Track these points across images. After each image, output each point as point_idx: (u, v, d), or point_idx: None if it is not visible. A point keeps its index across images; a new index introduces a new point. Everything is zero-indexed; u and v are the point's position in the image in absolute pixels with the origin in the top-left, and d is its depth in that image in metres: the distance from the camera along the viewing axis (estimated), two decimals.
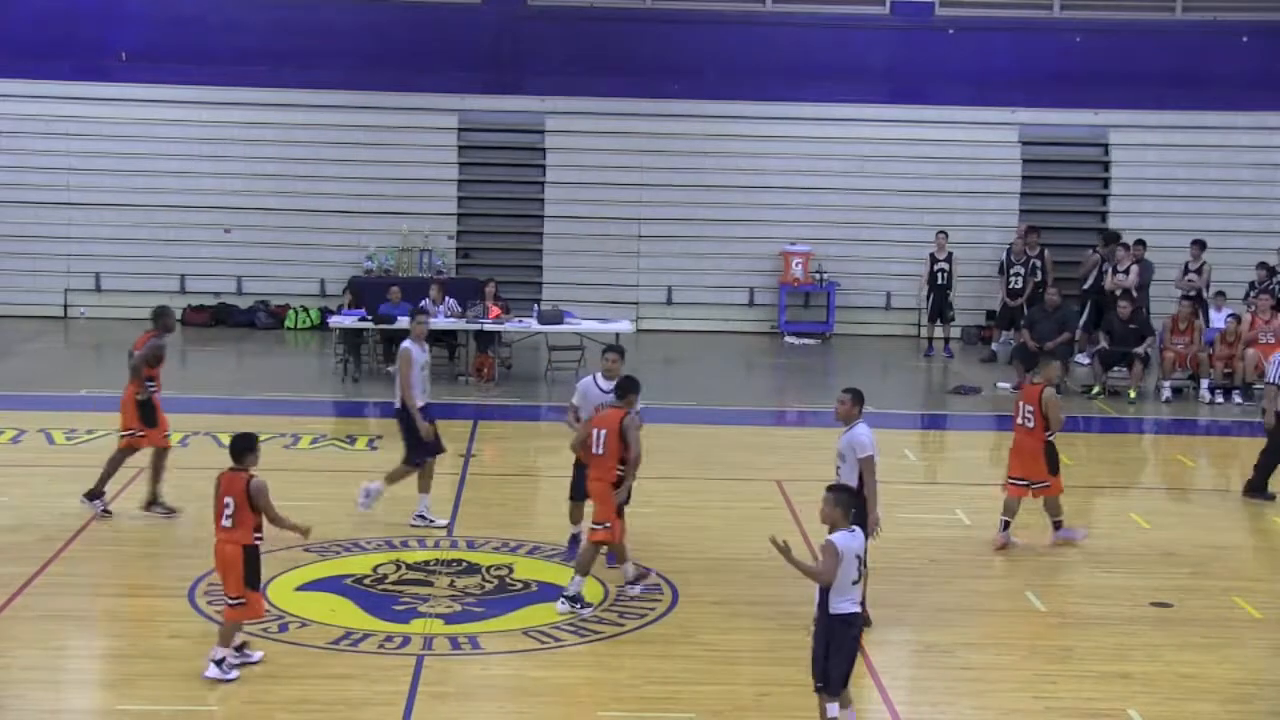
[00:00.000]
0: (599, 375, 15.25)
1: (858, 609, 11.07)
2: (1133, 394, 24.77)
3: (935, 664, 13.25)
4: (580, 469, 14.94)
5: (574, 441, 14.79)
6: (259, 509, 12.51)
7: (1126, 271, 27.61)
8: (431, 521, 16.52)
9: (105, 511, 16.72)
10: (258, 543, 12.47)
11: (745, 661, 13.10)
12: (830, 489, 11.28)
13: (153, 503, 16.94)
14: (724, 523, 17.36)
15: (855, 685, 12.68)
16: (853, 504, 11.18)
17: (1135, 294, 26.94)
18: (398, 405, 16.54)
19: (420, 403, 16.44)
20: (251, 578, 12.42)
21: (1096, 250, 28.50)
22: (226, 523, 12.45)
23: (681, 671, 12.77)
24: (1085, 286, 28.21)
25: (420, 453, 16.50)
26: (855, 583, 10.96)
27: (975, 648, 13.51)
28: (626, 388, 14.49)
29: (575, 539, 15.47)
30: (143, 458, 17.01)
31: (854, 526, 11.03)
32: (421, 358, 16.57)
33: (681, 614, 14.12)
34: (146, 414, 16.95)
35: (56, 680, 12.72)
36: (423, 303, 25.49)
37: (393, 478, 16.67)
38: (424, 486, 16.60)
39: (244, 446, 12.79)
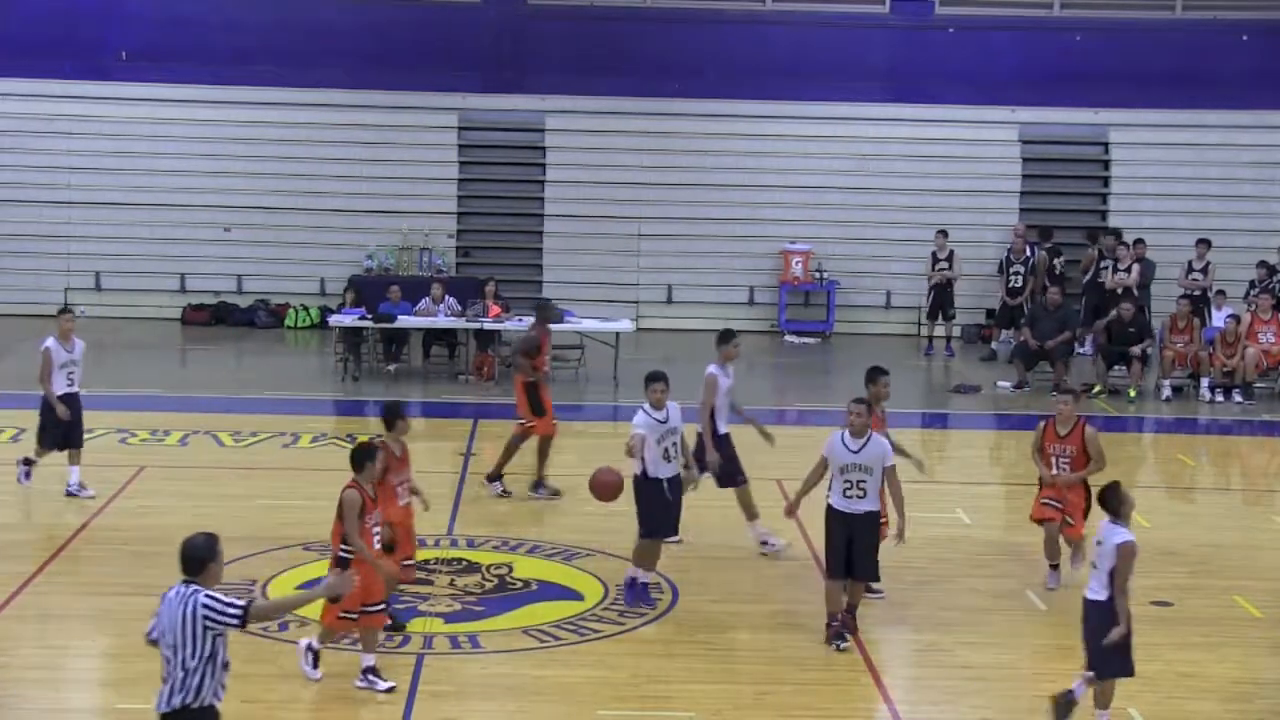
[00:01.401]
0: (648, 406, 14.43)
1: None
2: (1133, 393, 24.77)
3: (935, 663, 13.25)
4: (664, 507, 14.27)
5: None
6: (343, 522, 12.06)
7: (1128, 270, 27.62)
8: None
9: (505, 493, 17.73)
10: (345, 555, 12.02)
11: (745, 661, 13.10)
12: (1101, 498, 11.55)
13: (539, 484, 17.81)
14: (724, 522, 17.35)
15: (855, 684, 12.70)
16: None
17: (1136, 293, 26.96)
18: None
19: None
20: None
21: (1096, 246, 28.56)
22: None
23: (681, 671, 12.77)
24: (1085, 281, 28.27)
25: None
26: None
27: (975, 647, 13.51)
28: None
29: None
30: (159, 458, 17.01)
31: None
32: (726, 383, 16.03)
33: (681, 613, 14.12)
34: (534, 402, 17.67)
35: (56, 679, 12.72)
36: (423, 302, 25.54)
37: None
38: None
39: (354, 456, 12.26)
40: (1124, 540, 11.22)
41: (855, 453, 13.20)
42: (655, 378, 14.53)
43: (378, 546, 12.29)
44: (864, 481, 13.19)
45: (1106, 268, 28.17)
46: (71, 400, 17.26)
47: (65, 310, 17.90)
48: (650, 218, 30.98)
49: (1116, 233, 29.02)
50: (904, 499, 13.40)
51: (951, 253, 28.96)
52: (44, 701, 12.14)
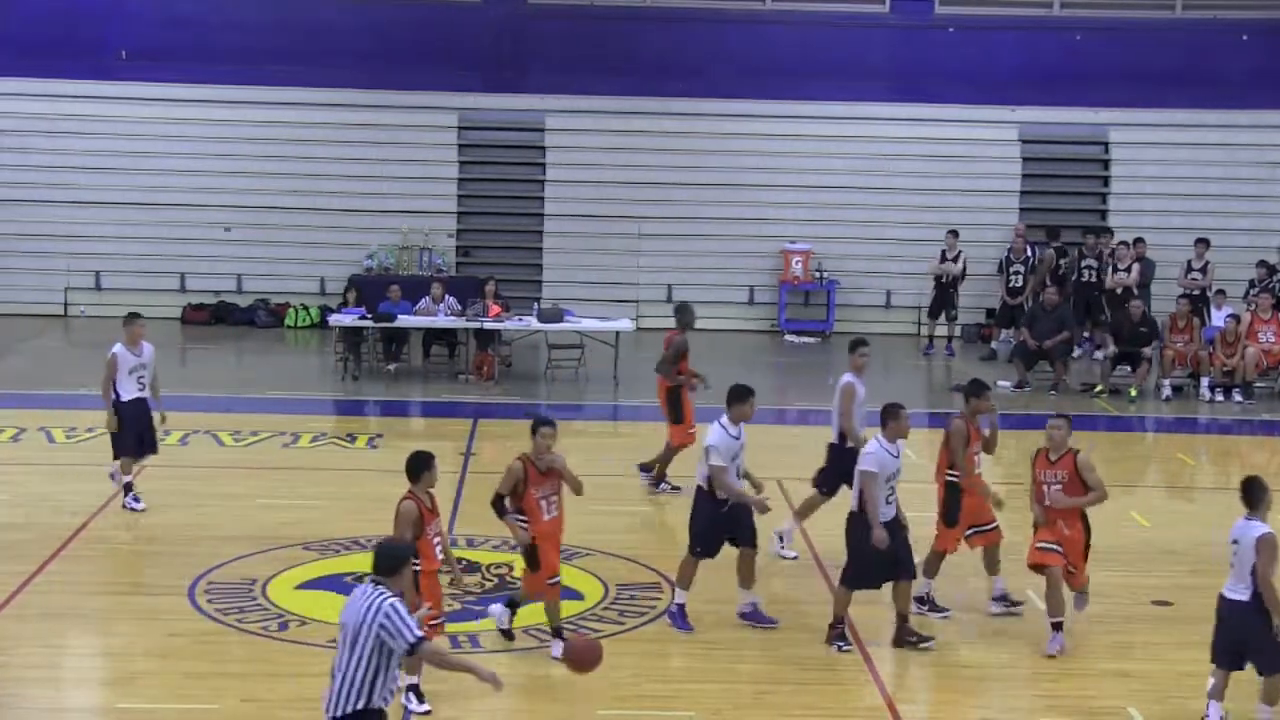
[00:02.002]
0: (727, 423, 13.81)
1: None
2: (1134, 393, 24.76)
3: (936, 662, 13.24)
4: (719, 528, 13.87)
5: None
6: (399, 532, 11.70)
7: (1128, 270, 27.63)
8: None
9: (673, 488, 17.91)
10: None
11: (745, 660, 13.10)
12: (1244, 490, 11.52)
13: (660, 480, 18.00)
14: None
15: (855, 684, 12.70)
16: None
17: (1136, 292, 26.96)
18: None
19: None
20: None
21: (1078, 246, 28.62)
22: None
23: (681, 670, 12.77)
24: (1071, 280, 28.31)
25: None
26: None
27: (976, 646, 13.51)
28: None
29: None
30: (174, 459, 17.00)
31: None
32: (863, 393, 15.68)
33: None
34: (674, 407, 17.92)
35: (57, 678, 12.73)
36: (423, 301, 25.52)
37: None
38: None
39: (409, 466, 11.93)
40: (1263, 534, 11.26)
41: (897, 458, 13.31)
42: (748, 393, 13.88)
43: (439, 557, 11.98)
44: (893, 488, 13.31)
45: (1089, 267, 28.23)
46: (141, 405, 16.84)
47: (134, 315, 17.27)
48: (650, 217, 30.97)
49: (1097, 231, 29.04)
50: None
51: (960, 253, 28.93)
52: (44, 701, 12.14)
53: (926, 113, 31.47)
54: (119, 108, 30.74)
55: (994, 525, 14.24)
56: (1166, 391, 24.91)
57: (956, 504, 14.14)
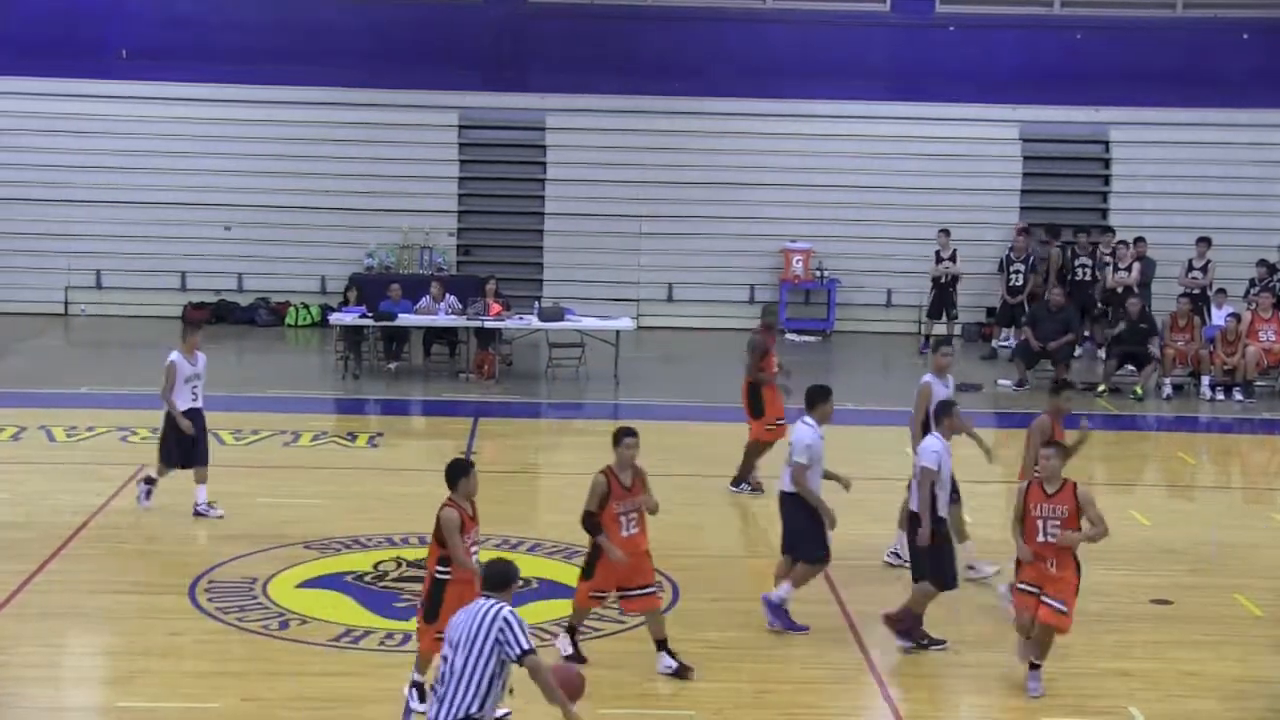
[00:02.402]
0: (811, 419, 13.93)
1: None
2: (1139, 391, 24.74)
3: (936, 662, 13.24)
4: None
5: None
6: (440, 541, 11.62)
7: (1128, 269, 27.64)
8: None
9: (752, 488, 18.01)
10: (440, 577, 11.60)
11: (746, 659, 13.10)
12: None
13: (741, 480, 18.03)
14: (724, 520, 17.38)
15: (856, 683, 12.70)
16: None
17: (1136, 290, 26.96)
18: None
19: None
20: (429, 611, 11.65)
21: (1085, 245, 28.62)
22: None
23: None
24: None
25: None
26: None
27: (976, 646, 13.50)
28: None
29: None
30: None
31: None
32: (943, 393, 15.19)
33: (682, 611, 14.12)
34: (755, 404, 17.99)
35: (57, 678, 12.73)
36: (423, 300, 25.53)
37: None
38: None
39: (448, 473, 11.78)
40: None
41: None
42: (829, 392, 14.02)
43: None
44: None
45: (1084, 266, 28.25)
46: (195, 416, 16.58)
47: (194, 325, 17.21)
48: (651, 216, 30.97)
49: (1089, 229, 29.02)
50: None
51: (955, 251, 28.94)
52: (44, 700, 12.14)
53: (927, 112, 31.46)
54: (120, 107, 30.74)
55: None
56: (1167, 390, 24.92)
57: None
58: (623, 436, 12.60)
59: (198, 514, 16.59)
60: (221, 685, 12.13)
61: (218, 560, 15.14)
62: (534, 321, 25.35)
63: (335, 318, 25.66)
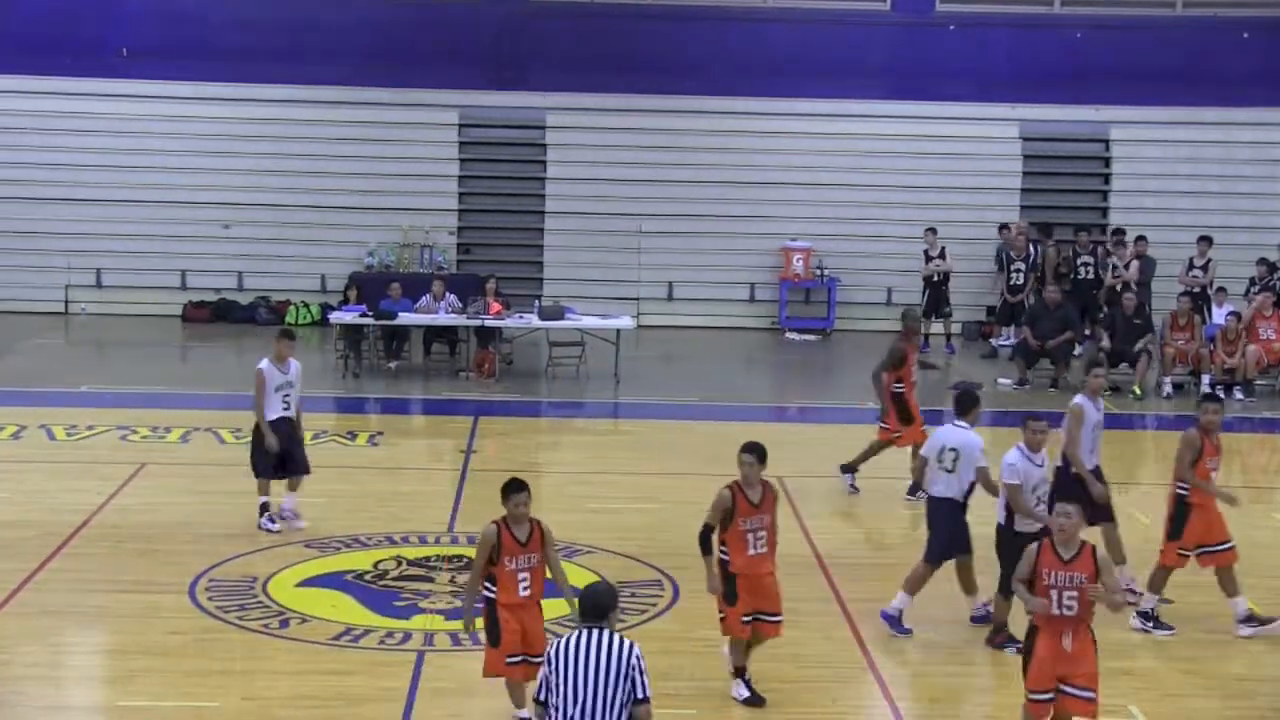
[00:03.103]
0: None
1: None
2: (1138, 390, 24.72)
3: (937, 661, 13.24)
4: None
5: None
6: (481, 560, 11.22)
7: (1126, 266, 27.65)
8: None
9: (853, 488, 18.18)
10: (488, 596, 11.30)
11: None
12: None
13: (850, 469, 18.18)
14: None
15: (857, 683, 12.70)
16: None
17: (1134, 288, 26.97)
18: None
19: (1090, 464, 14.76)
20: (489, 634, 11.31)
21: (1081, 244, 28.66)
22: None
23: (683, 668, 12.75)
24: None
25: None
26: None
27: (977, 645, 13.50)
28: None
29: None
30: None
31: None
32: (1095, 416, 14.80)
33: (683, 610, 14.11)
34: (902, 411, 18.06)
35: (57, 676, 12.73)
36: (424, 299, 25.53)
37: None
38: None
39: (502, 489, 11.27)
40: None
41: (1041, 466, 13.18)
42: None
43: (523, 594, 11.17)
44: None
45: (1086, 264, 28.27)
46: (286, 424, 16.05)
47: (286, 333, 16.48)
48: (651, 214, 30.96)
49: (1089, 228, 29.02)
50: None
51: (943, 248, 28.95)
52: (45, 699, 12.14)
53: (927, 111, 31.46)
54: (120, 105, 30.73)
55: (1226, 545, 13.93)
56: (1167, 389, 24.91)
57: (1183, 518, 13.90)
58: (741, 454, 12.03)
59: (282, 517, 16.18)
60: (222, 684, 12.13)
61: (218, 559, 15.13)
62: (534, 320, 25.35)
63: (335, 316, 25.66)
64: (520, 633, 11.24)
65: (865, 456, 18.33)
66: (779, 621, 12.18)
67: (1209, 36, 31.84)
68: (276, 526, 16.03)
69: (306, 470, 16.28)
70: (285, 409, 16.13)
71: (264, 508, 16.09)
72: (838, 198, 31.05)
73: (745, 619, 12.02)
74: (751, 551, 11.97)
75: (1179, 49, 31.67)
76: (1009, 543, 12.87)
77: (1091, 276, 28.34)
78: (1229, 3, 32.00)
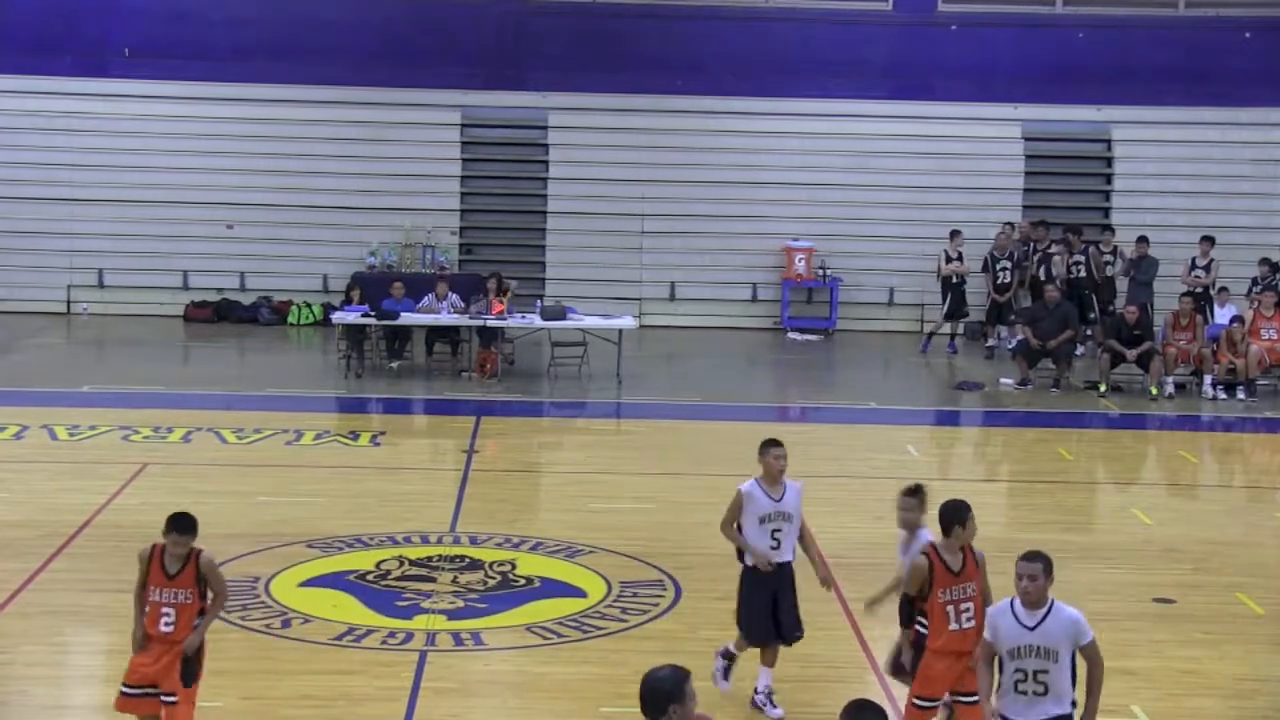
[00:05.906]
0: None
1: None
2: (1154, 391, 24.59)
3: None
4: None
5: None
6: None
7: (1113, 251, 27.98)
8: None
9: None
10: None
11: (748, 658, 13.07)
12: None
13: None
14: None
15: (857, 682, 12.70)
16: None
17: (1116, 283, 27.12)
18: None
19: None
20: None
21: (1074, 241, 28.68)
22: None
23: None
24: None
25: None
26: None
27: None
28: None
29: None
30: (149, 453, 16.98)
31: None
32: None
33: (684, 610, 14.12)
34: None
35: (59, 676, 12.75)
36: (426, 299, 25.54)
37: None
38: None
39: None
40: None
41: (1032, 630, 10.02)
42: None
43: None
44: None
45: (1078, 263, 28.30)
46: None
47: (772, 442, 12.27)
48: (653, 214, 30.96)
49: (1077, 228, 29.03)
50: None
51: (961, 252, 28.91)
52: (46, 698, 12.16)
53: (929, 110, 31.43)
54: (121, 105, 30.72)
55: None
56: (1169, 389, 24.90)
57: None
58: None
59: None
60: (223, 684, 12.12)
61: (220, 559, 15.11)
62: (536, 320, 25.35)
63: (337, 316, 25.66)
64: None
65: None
66: (977, 703, 10.18)
67: (1211, 36, 31.81)
68: (729, 683, 12.32)
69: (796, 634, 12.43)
70: (774, 545, 12.69)
71: (727, 655, 12.45)
72: (840, 198, 31.03)
73: (924, 702, 10.65)
74: (954, 626, 10.46)
75: (1181, 49, 31.64)
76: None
77: (1083, 275, 28.34)
78: (1231, 3, 31.99)
